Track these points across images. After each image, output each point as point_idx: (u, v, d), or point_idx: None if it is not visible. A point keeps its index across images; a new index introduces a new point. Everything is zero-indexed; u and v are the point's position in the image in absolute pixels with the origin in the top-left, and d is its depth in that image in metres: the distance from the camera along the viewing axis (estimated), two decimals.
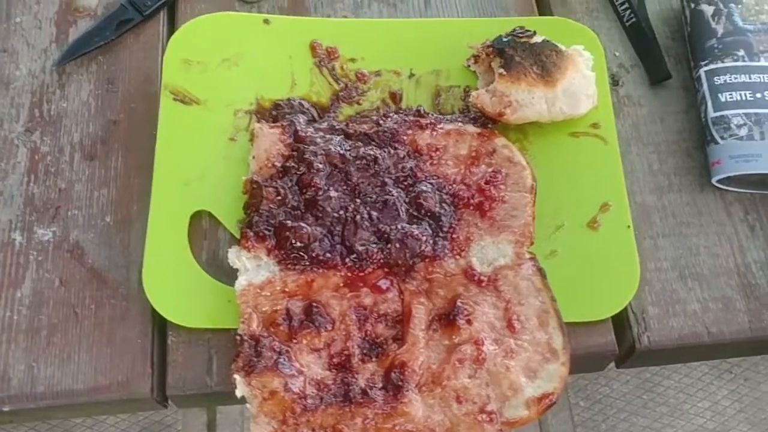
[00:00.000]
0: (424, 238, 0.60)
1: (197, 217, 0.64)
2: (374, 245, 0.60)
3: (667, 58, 0.72)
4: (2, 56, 0.71)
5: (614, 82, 0.71)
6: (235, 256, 0.60)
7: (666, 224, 0.66)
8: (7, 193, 0.65)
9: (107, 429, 1.43)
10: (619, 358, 0.63)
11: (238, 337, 0.57)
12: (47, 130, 0.68)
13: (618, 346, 0.61)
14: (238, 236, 0.62)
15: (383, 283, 0.60)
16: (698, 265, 0.64)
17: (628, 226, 0.63)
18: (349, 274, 0.60)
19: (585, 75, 0.66)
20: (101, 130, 0.68)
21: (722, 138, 0.65)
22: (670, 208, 0.66)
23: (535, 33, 0.67)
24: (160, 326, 0.61)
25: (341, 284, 0.60)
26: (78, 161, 0.67)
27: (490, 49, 0.67)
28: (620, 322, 0.62)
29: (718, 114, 0.66)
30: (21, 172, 0.67)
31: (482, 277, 0.60)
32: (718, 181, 0.66)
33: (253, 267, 0.60)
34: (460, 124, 0.66)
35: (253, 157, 0.64)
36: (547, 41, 0.66)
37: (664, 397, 1.55)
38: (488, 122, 0.66)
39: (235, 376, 0.56)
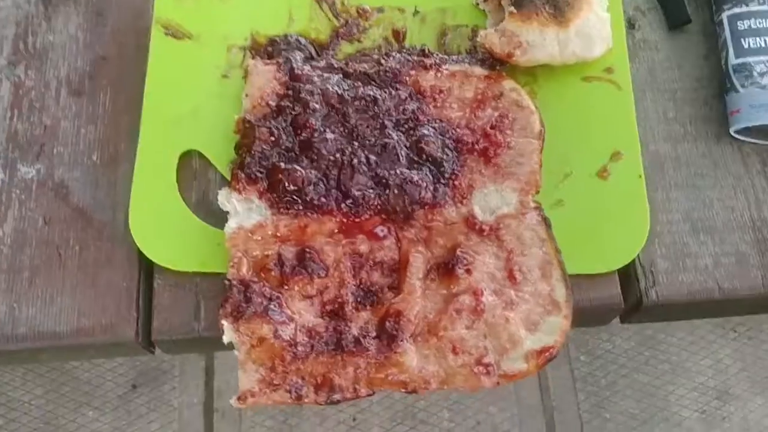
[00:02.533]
0: (424, 185, 0.57)
1: (187, 157, 0.61)
2: (371, 191, 0.57)
3: (687, 2, 0.68)
4: None
5: (630, 25, 0.67)
6: (225, 199, 0.57)
7: (679, 175, 0.62)
8: None
9: (104, 373, 1.42)
10: (624, 313, 0.61)
11: (227, 282, 0.55)
12: (32, 64, 0.65)
13: (624, 300, 0.59)
14: (228, 178, 0.59)
15: (380, 231, 0.57)
16: (711, 218, 0.61)
17: (640, 176, 0.60)
18: (345, 220, 0.57)
19: (600, 16, 0.62)
20: (89, 65, 0.65)
21: (743, 86, 0.61)
22: (684, 159, 0.63)
23: None
24: (147, 269, 0.59)
25: (336, 230, 0.57)
26: (64, 97, 0.64)
27: None
28: (627, 275, 0.59)
29: (740, 61, 0.62)
30: (4, 107, 0.64)
31: (484, 226, 0.57)
32: (736, 132, 0.63)
33: (244, 210, 0.57)
34: (466, 65, 0.63)
35: (246, 95, 0.61)
36: None
37: (666, 354, 1.54)
38: (496, 64, 0.63)
39: (223, 321, 0.53)
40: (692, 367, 1.51)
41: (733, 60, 0.62)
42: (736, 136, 0.63)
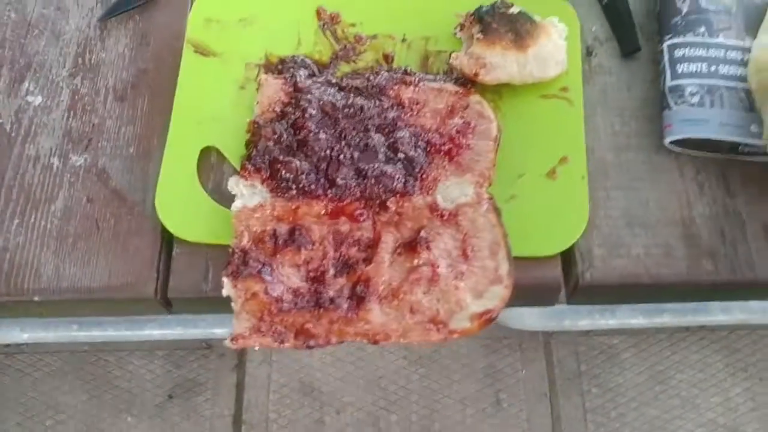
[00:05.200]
0: (397, 177, 0.69)
1: (207, 152, 0.74)
2: (353, 181, 0.69)
3: (640, 34, 0.79)
4: (56, 13, 0.83)
5: (588, 52, 0.79)
6: (234, 184, 0.70)
7: (621, 179, 0.73)
8: (50, 126, 0.77)
9: (144, 383, 1.54)
10: (568, 294, 0.71)
11: (230, 250, 0.67)
12: (87, 76, 0.79)
13: (565, 281, 0.69)
14: (239, 169, 0.71)
15: (359, 214, 0.69)
16: (646, 215, 0.71)
17: (583, 177, 0.71)
18: (330, 204, 0.69)
19: (556, 43, 0.74)
20: (132, 77, 0.79)
21: (675, 104, 0.72)
22: (626, 165, 0.73)
23: (513, 5, 0.75)
24: (168, 240, 0.71)
25: (323, 212, 0.68)
26: (111, 102, 0.78)
27: (472, 17, 0.75)
28: (568, 260, 0.69)
29: (675, 83, 0.72)
30: (63, 109, 0.78)
31: (445, 212, 0.68)
32: (678, 146, 0.72)
33: (249, 193, 0.69)
34: (441, 83, 0.75)
35: (258, 103, 0.74)
36: (523, 12, 0.74)
37: (676, 390, 1.58)
38: (467, 83, 0.74)
39: (224, 278, 0.65)
40: (702, 403, 1.56)
41: (669, 82, 0.73)
42: (674, 148, 0.73)
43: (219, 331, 0.78)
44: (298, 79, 0.75)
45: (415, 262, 0.66)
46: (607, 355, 1.60)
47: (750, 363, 1.60)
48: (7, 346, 1.54)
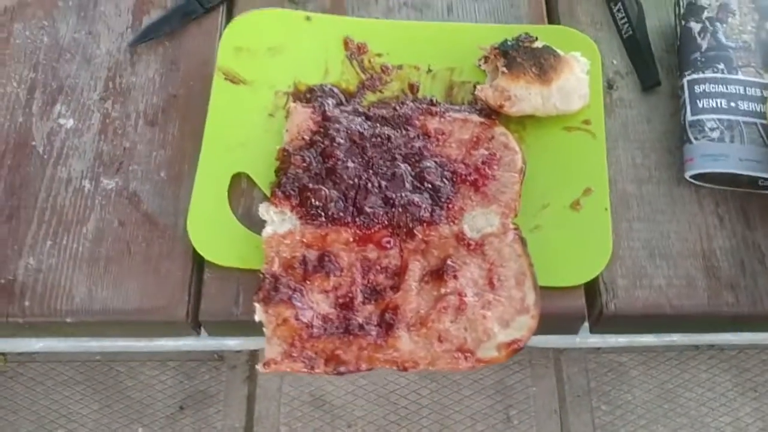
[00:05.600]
0: (424, 206, 0.71)
1: (237, 177, 0.75)
2: (381, 209, 0.71)
3: (660, 68, 0.81)
4: (87, 37, 0.85)
5: (609, 86, 0.80)
6: (265, 210, 0.71)
7: (642, 210, 0.74)
8: (81, 149, 0.78)
9: (155, 394, 1.55)
10: (592, 323, 0.72)
11: (261, 275, 0.68)
12: (118, 100, 0.81)
13: (588, 311, 0.70)
14: (269, 195, 0.73)
15: (387, 242, 0.70)
16: (668, 247, 0.73)
17: (606, 209, 0.72)
18: (358, 232, 0.70)
19: (579, 77, 0.76)
20: (163, 102, 0.81)
21: (696, 138, 0.73)
22: (647, 197, 0.75)
23: (537, 39, 0.77)
24: (199, 264, 0.72)
25: (351, 239, 0.70)
26: (141, 126, 0.80)
27: (497, 50, 0.77)
28: (592, 290, 0.71)
29: (695, 118, 0.74)
30: (94, 132, 0.79)
31: (471, 242, 0.69)
32: (697, 179, 0.74)
33: (279, 220, 0.71)
34: (466, 113, 0.76)
35: (287, 131, 0.75)
36: (547, 46, 0.76)
37: (685, 408, 1.59)
38: (492, 114, 0.76)
39: (256, 304, 0.67)
40: (711, 422, 1.57)
41: (689, 117, 0.75)
42: (694, 181, 0.75)
43: (231, 343, 0.80)
44: (326, 108, 0.76)
45: (442, 290, 0.67)
46: (616, 373, 1.61)
47: (759, 383, 1.61)
48: (20, 354, 1.55)
